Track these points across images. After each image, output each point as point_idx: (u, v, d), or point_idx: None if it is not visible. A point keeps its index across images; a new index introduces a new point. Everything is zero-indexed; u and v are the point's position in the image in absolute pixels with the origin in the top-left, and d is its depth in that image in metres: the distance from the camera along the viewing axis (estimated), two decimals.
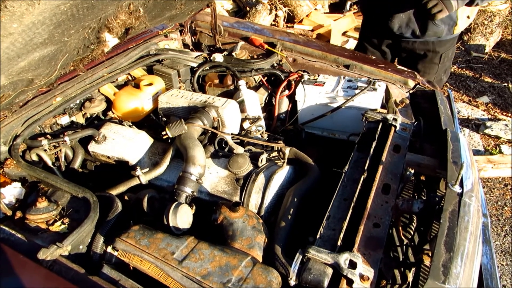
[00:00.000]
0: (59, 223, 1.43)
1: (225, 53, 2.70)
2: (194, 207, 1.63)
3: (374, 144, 1.87)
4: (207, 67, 2.56)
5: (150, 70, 2.44)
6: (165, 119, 2.07)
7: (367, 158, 1.80)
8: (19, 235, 1.36)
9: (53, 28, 1.08)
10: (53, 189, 1.61)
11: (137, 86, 2.22)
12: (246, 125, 2.17)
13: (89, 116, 2.09)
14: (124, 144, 1.86)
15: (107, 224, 1.47)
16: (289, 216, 1.60)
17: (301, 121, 2.49)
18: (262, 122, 2.31)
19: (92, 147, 1.88)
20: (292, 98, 2.50)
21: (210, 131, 1.92)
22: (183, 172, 1.67)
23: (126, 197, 1.71)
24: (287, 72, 2.60)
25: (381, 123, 2.01)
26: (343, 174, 1.75)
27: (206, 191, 1.74)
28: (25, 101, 1.76)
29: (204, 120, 1.91)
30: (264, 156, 1.81)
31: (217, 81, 2.60)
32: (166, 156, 1.81)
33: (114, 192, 1.70)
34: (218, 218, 1.55)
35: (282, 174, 1.79)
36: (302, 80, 2.47)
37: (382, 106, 2.35)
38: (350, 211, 1.53)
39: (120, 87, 2.25)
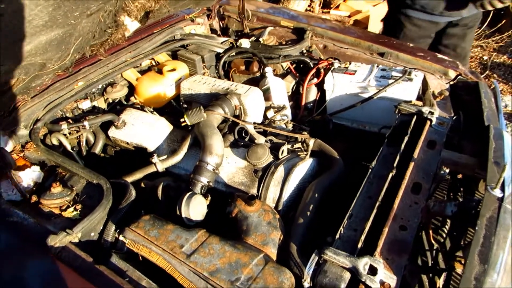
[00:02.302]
0: (71, 209, 1.42)
1: (253, 38, 2.60)
2: (209, 198, 1.57)
3: (406, 138, 1.73)
4: (233, 53, 2.47)
5: (174, 56, 2.39)
6: (186, 105, 2.02)
7: (398, 153, 1.67)
8: (32, 220, 1.35)
9: (53, 10, 1.03)
10: (70, 174, 1.60)
11: (160, 71, 2.17)
12: (270, 114, 2.07)
13: (111, 101, 2.07)
14: (143, 130, 1.82)
15: (120, 212, 1.44)
16: (308, 213, 1.50)
17: (330, 111, 2.37)
18: (287, 111, 2.21)
19: (112, 132, 1.87)
20: (320, 87, 2.38)
21: (230, 120, 1.84)
22: (200, 161, 1.61)
23: (142, 184, 1.68)
24: (317, 59, 2.47)
25: (415, 116, 1.86)
26: (370, 170, 1.62)
27: (223, 181, 1.67)
28: (47, 86, 1.76)
29: (225, 108, 1.84)
30: (286, 148, 1.71)
31: (243, 67, 2.51)
32: (184, 144, 1.75)
33: (130, 179, 1.67)
34: (233, 211, 1.48)
35: (303, 167, 1.69)
36: (332, 68, 2.34)
37: (418, 98, 2.18)
38: (375, 210, 1.42)
39: (143, 72, 2.22)
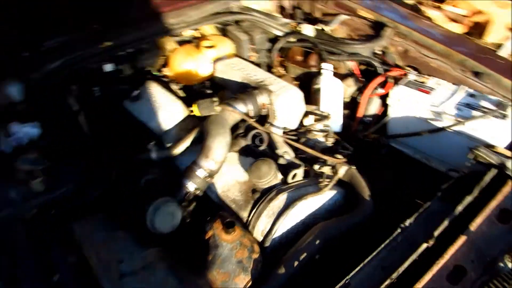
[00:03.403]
0: (38, 180, 1.27)
1: (321, 26, 2.19)
2: (191, 207, 1.31)
3: (468, 199, 1.27)
4: (293, 40, 2.12)
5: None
6: (209, 91, 1.75)
7: (448, 216, 1.23)
8: None
9: None
10: None
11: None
12: (308, 121, 1.72)
13: (138, 68, 1.89)
14: (154, 110, 1.61)
15: (86, 197, 1.27)
16: (296, 263, 1.16)
17: (391, 133, 1.92)
18: (335, 122, 1.84)
19: (126, 103, 1.70)
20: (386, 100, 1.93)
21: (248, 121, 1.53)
22: (192, 163, 1.35)
23: (134, 171, 1.48)
24: (390, 65, 2.00)
25: (493, 170, 1.36)
26: (399, 229, 1.21)
27: (215, 191, 1.40)
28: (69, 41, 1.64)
29: (248, 104, 1.54)
30: (300, 172, 1.37)
31: (300, 58, 2.15)
32: (188, 137, 1.51)
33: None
34: (207, 232, 1.21)
35: (316, 200, 1.34)
36: (405, 80, 1.87)
37: (510, 147, 1.62)
38: None
39: (184, 43, 1.99)
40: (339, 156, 1.55)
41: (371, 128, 1.89)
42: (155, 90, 1.68)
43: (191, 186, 1.33)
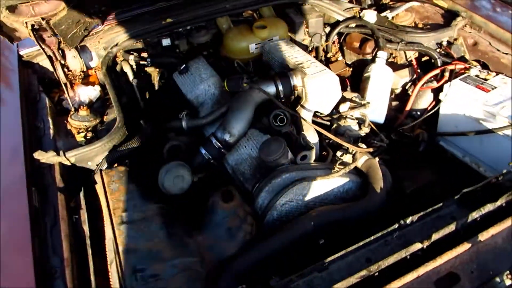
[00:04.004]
0: (82, 134, 1.50)
1: (387, 12, 2.08)
2: (202, 174, 1.42)
3: (489, 207, 1.16)
4: (353, 25, 2.06)
5: None
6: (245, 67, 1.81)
7: (460, 222, 1.14)
8: (51, 133, 1.48)
9: None
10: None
11: None
12: (343, 107, 1.68)
13: (195, 45, 2.03)
14: (194, 83, 1.75)
15: (116, 152, 1.46)
16: (284, 239, 1.20)
17: (441, 130, 1.78)
18: (378, 113, 1.78)
19: (175, 76, 1.86)
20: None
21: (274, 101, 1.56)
22: (211, 134, 1.45)
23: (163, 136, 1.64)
24: (452, 58, 1.83)
25: None
26: (396, 225, 1.16)
27: (230, 164, 1.48)
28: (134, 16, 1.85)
29: (279, 85, 1.57)
30: (309, 154, 1.38)
31: (357, 44, 2.08)
32: (218, 110, 1.60)
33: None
34: (209, 199, 1.31)
35: (322, 185, 1.33)
36: (464, 75, 1.70)
37: None
38: (356, 280, 1.03)
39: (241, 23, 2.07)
40: (362, 145, 1.51)
41: (412, 123, 1.77)
42: (201, 65, 1.81)
43: (205, 155, 1.43)
